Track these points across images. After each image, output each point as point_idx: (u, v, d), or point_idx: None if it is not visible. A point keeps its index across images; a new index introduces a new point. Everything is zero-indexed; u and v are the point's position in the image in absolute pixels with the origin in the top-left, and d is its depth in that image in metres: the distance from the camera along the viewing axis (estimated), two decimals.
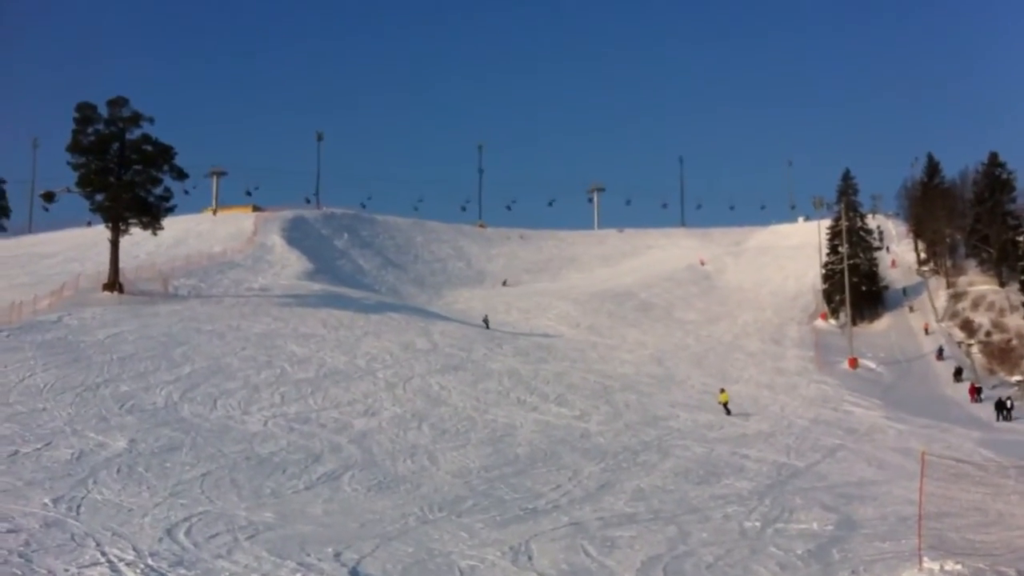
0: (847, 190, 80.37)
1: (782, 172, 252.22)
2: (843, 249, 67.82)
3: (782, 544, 16.73)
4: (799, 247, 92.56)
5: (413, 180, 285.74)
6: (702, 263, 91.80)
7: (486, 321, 57.76)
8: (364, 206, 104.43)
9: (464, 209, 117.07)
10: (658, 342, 58.73)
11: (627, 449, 28.67)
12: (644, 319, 66.85)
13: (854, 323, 64.69)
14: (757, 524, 18.69)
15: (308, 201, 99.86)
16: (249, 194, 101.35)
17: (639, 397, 39.75)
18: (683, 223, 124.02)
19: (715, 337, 62.13)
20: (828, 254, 74.59)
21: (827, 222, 77.95)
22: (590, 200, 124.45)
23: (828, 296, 72.91)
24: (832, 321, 69.94)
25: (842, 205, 73.74)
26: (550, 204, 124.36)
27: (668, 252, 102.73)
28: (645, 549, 15.82)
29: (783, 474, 25.77)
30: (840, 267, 67.71)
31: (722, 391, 38.89)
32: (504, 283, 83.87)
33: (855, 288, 66.88)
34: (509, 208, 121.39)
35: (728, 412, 37.04)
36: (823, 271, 74.87)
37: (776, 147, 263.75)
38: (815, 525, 18.73)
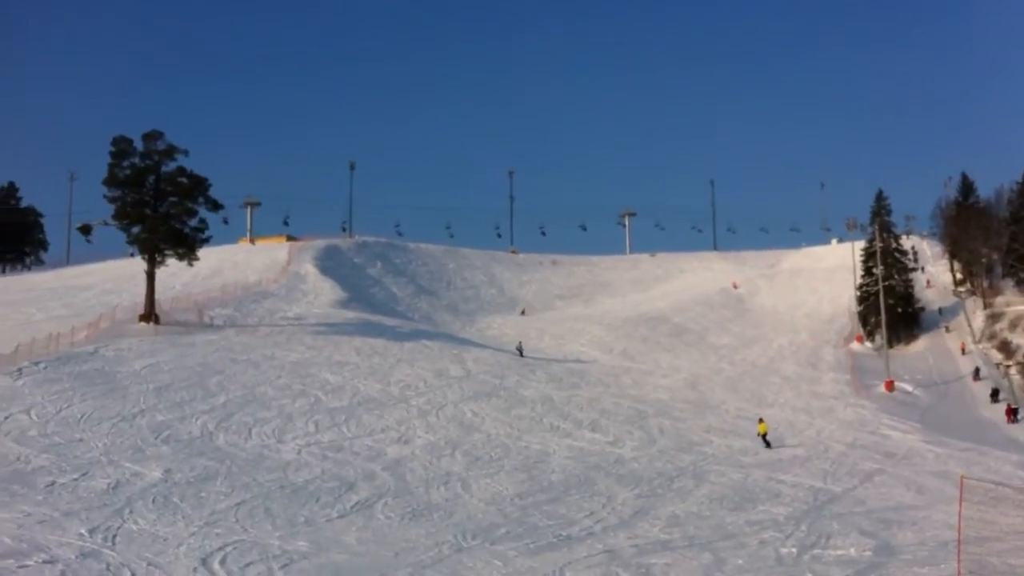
0: (880, 211, 79.90)
1: (814, 194, 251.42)
2: (878, 271, 67.36)
3: (819, 571, 16.54)
4: (833, 269, 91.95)
5: (444, 208, 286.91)
6: (735, 286, 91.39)
7: (520, 349, 57.00)
8: (400, 233, 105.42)
9: (499, 236, 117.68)
10: (692, 367, 58.45)
11: (662, 475, 28.51)
12: (678, 343, 66.58)
13: (890, 345, 64.04)
14: (794, 550, 18.49)
15: (344, 230, 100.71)
16: (287, 223, 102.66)
17: (673, 422, 39.53)
18: (715, 246, 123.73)
19: (750, 361, 61.75)
20: (863, 276, 74.05)
21: (861, 244, 77.44)
22: (621, 225, 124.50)
23: (863, 318, 72.31)
24: (868, 343, 69.34)
25: (876, 226, 73.30)
26: (584, 229, 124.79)
27: (701, 276, 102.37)
28: None
29: (820, 499, 25.50)
30: (875, 289, 67.22)
31: (760, 421, 36.79)
32: (522, 312, 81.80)
33: (891, 310, 66.27)
34: (544, 233, 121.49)
35: (768, 444, 34.99)
36: (858, 293, 74.31)
37: (808, 169, 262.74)
38: (853, 551, 18.50)
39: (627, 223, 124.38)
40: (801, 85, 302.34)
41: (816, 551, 18.45)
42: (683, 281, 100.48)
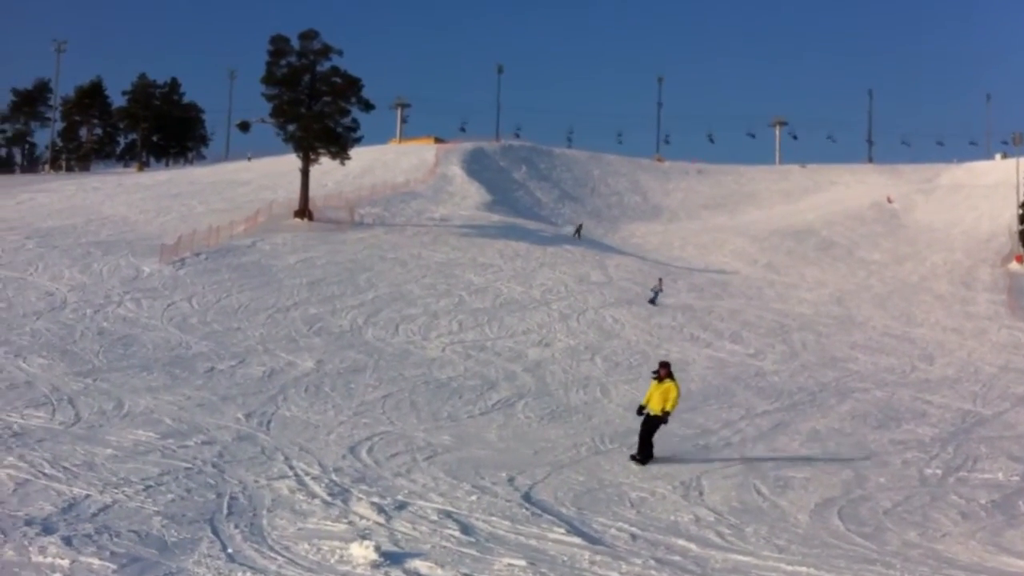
0: None
1: (979, 106, 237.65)
2: None
3: (965, 493, 16.19)
4: (995, 186, 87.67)
5: (594, 114, 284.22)
6: (890, 201, 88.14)
7: (656, 292, 43.30)
8: (570, 140, 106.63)
9: (667, 142, 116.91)
10: (839, 281, 57.03)
11: (803, 390, 28.16)
12: (825, 257, 64.94)
13: None
14: (938, 472, 18.12)
15: (517, 135, 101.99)
16: (463, 130, 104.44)
17: (817, 337, 38.86)
18: (870, 159, 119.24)
19: (900, 278, 59.81)
20: None
21: None
22: (775, 130, 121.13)
23: None
24: None
25: None
26: (753, 136, 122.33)
27: (853, 189, 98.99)
28: (819, 491, 15.60)
29: (968, 422, 24.81)
30: None
31: (658, 377, 17.53)
32: (577, 233, 62.33)
33: None
34: (712, 140, 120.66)
35: (644, 445, 16.89)
36: (1020, 211, 70.78)
37: (972, 79, 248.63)
38: (1000, 475, 18.01)
39: (777, 132, 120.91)
40: None
41: (962, 474, 18.03)
42: (834, 194, 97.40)
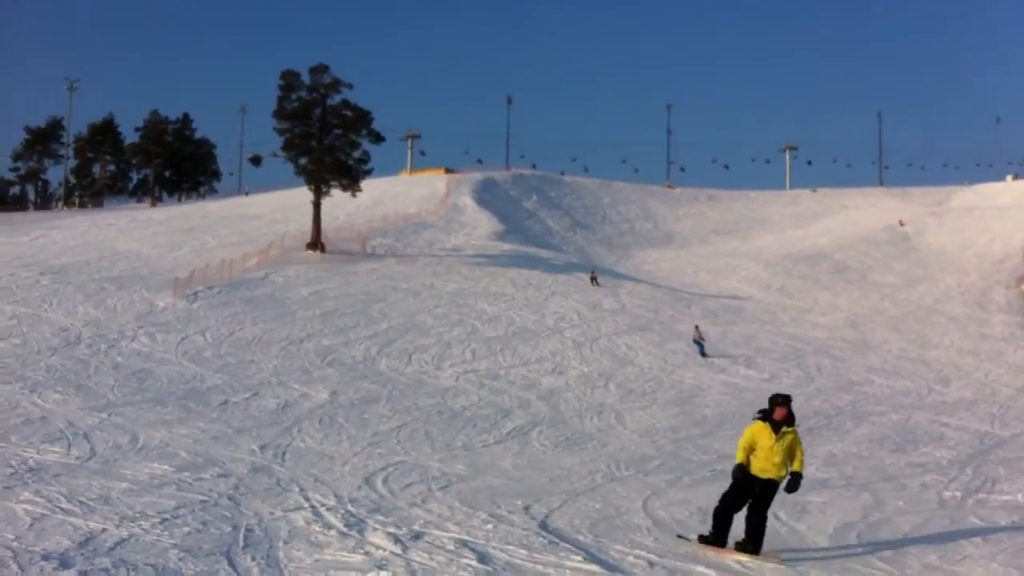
0: None
1: (990, 128, 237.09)
2: None
3: (984, 515, 16.03)
4: (1007, 207, 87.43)
5: (604, 143, 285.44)
6: (901, 224, 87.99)
7: (701, 346, 38.70)
8: (586, 169, 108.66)
9: (683, 170, 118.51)
10: (852, 305, 56.86)
11: (819, 414, 28.02)
12: (838, 281, 64.77)
13: None
14: (957, 494, 17.95)
15: (534, 167, 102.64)
16: (480, 162, 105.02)
17: (832, 361, 38.68)
18: (881, 182, 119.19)
19: (914, 301, 59.60)
20: None
21: None
22: (785, 155, 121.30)
23: None
24: None
25: None
26: (768, 162, 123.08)
27: (865, 212, 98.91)
28: (838, 515, 15.46)
29: (986, 444, 24.62)
30: None
31: (775, 420, 11.08)
32: (592, 278, 53.02)
33: None
34: (727, 167, 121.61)
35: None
36: None
37: (982, 103, 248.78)
38: (1020, 497, 17.83)
39: (787, 157, 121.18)
40: (975, 15, 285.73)
41: (981, 496, 17.87)
42: (846, 217, 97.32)
